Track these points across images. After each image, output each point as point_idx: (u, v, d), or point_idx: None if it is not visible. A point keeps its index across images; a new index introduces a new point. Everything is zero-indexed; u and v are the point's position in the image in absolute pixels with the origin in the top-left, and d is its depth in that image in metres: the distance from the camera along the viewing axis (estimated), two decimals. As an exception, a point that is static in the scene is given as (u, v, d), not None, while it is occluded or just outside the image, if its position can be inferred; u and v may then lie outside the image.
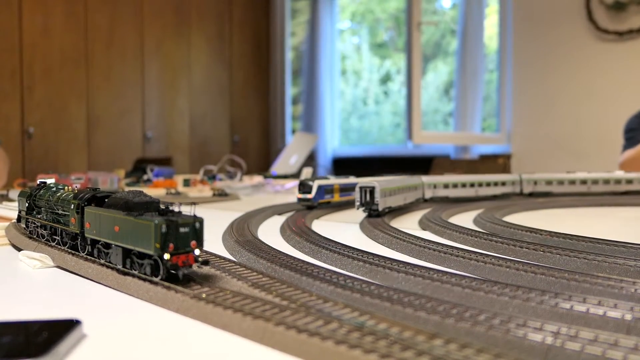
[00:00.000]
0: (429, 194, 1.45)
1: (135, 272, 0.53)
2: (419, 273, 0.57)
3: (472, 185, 1.56)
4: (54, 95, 3.54)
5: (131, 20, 3.96)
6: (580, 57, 3.68)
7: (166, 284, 0.50)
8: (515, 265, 0.61)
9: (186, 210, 0.55)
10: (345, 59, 5.24)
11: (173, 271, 0.50)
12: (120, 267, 0.55)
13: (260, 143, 5.03)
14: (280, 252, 0.70)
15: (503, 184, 1.62)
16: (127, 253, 0.54)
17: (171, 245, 0.50)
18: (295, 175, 2.59)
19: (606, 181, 1.65)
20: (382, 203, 1.12)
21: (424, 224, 1.06)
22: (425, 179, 1.45)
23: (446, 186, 1.49)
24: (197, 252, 0.52)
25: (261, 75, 5.03)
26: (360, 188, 1.13)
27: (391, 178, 1.28)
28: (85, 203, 0.61)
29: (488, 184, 1.59)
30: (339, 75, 4.98)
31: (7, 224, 0.89)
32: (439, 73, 4.92)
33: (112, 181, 1.77)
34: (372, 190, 1.11)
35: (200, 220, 0.52)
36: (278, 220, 1.12)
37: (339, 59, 4.97)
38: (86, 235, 0.60)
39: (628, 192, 1.64)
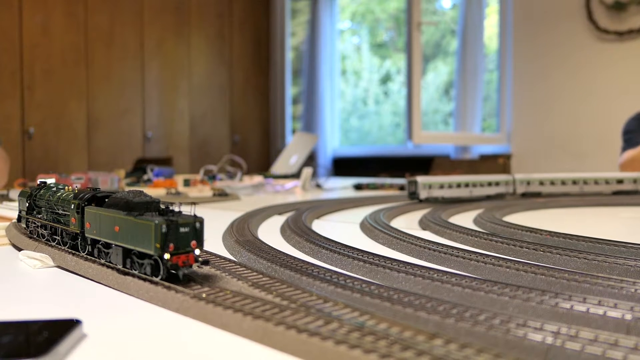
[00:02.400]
0: (521, 190, 1.59)
1: (136, 272, 0.53)
2: (419, 273, 0.57)
3: (574, 182, 1.57)
4: (54, 95, 3.54)
5: (131, 20, 3.96)
6: (580, 57, 3.68)
7: (166, 284, 0.50)
8: (515, 265, 0.61)
9: (186, 210, 0.55)
10: (345, 59, 5.24)
11: (173, 271, 0.50)
12: (120, 267, 0.55)
13: (260, 143, 5.04)
14: (280, 252, 0.70)
15: (620, 181, 1.59)
16: (127, 253, 0.54)
17: (171, 245, 0.50)
18: (296, 176, 2.59)
19: None
20: (423, 193, 1.42)
21: (424, 224, 1.06)
22: (518, 175, 1.60)
23: (542, 183, 1.58)
24: (197, 252, 0.52)
25: (261, 75, 5.03)
26: (409, 182, 1.45)
27: (469, 177, 1.52)
28: (86, 203, 0.61)
29: (596, 182, 1.58)
30: (339, 75, 4.98)
31: (7, 224, 0.89)
32: (439, 73, 4.93)
33: (112, 181, 1.77)
34: (416, 183, 1.42)
35: (201, 220, 0.52)
36: (278, 220, 1.12)
37: (339, 59, 4.97)
38: (86, 235, 0.60)
39: None
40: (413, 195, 1.45)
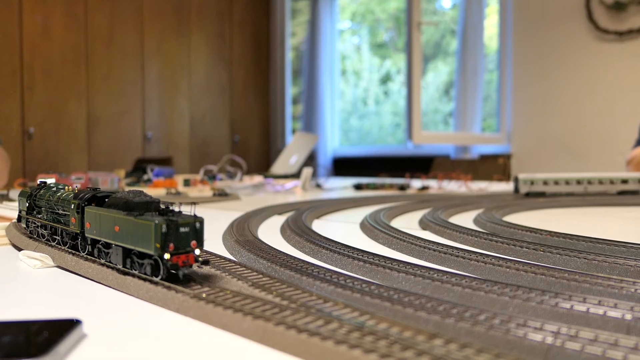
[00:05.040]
0: None
1: (136, 272, 0.53)
2: (419, 273, 0.57)
3: None
4: (54, 95, 3.54)
5: (131, 20, 3.96)
6: (580, 57, 3.68)
7: (166, 284, 0.50)
8: (515, 265, 0.61)
9: (186, 210, 0.55)
10: (345, 59, 5.24)
11: (173, 271, 0.50)
12: (120, 267, 0.55)
13: (260, 143, 5.04)
14: (280, 252, 0.70)
15: None
16: (127, 253, 0.54)
17: (171, 245, 0.50)
18: (296, 176, 2.59)
19: None
20: (524, 188, 1.61)
21: (424, 224, 1.06)
22: None
23: None
24: (197, 252, 0.52)
25: (261, 75, 5.03)
26: (515, 178, 1.66)
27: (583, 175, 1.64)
28: (86, 203, 0.61)
29: None
30: (339, 75, 4.98)
31: (7, 223, 0.89)
32: (439, 73, 4.93)
33: (112, 181, 1.76)
34: (517, 179, 1.63)
35: (201, 220, 0.52)
36: (278, 220, 1.12)
37: (339, 59, 4.98)
38: (86, 235, 0.60)
39: None
40: (516, 190, 1.64)
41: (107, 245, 0.58)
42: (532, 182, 1.60)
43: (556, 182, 1.60)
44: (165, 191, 1.75)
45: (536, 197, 1.56)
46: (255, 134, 4.99)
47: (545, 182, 1.60)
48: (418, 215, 1.19)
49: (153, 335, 0.43)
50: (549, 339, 0.36)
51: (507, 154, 4.00)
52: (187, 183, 2.04)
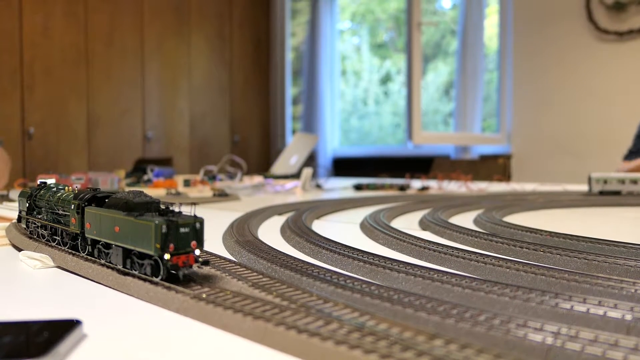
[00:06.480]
0: None
1: (136, 273, 0.53)
2: (419, 273, 0.57)
3: None
4: (54, 95, 3.54)
5: (131, 20, 3.96)
6: (581, 57, 3.68)
7: (166, 284, 0.50)
8: (516, 265, 0.61)
9: (186, 210, 0.55)
10: (345, 59, 5.24)
11: (173, 271, 0.51)
12: (120, 267, 0.55)
13: (260, 143, 5.03)
14: (280, 252, 0.70)
15: None
16: (127, 253, 0.54)
17: (171, 245, 0.50)
18: (296, 176, 2.59)
19: None
20: (596, 187, 1.66)
21: (424, 224, 1.06)
22: None
23: None
24: (197, 252, 0.52)
25: (261, 75, 5.03)
26: (588, 177, 1.70)
27: None
28: (86, 203, 0.61)
29: None
30: (339, 75, 4.98)
31: (7, 224, 0.89)
32: (439, 73, 4.93)
33: (113, 181, 1.76)
34: (590, 178, 1.68)
35: (201, 221, 0.52)
36: (278, 220, 1.12)
37: (339, 59, 4.97)
38: (86, 235, 0.60)
39: None
40: (590, 189, 1.70)
41: (107, 246, 0.58)
42: (605, 181, 1.65)
43: (634, 181, 1.63)
44: (165, 191, 1.75)
45: (610, 196, 1.61)
46: (255, 134, 4.99)
47: (621, 181, 1.63)
48: (418, 215, 1.19)
49: (153, 336, 0.43)
50: (549, 340, 0.36)
51: (507, 154, 4.00)
52: (187, 183, 2.04)
